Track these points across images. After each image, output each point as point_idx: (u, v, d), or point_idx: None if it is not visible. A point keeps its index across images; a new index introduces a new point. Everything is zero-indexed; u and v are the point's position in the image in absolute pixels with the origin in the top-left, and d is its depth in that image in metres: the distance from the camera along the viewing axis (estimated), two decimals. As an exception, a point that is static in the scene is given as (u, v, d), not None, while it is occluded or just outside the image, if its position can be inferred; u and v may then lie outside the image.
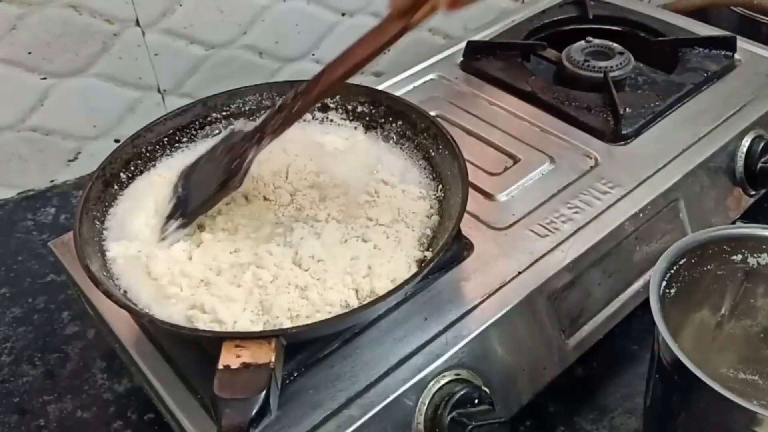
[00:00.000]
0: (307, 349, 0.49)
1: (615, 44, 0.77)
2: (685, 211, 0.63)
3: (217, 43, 0.89)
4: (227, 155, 0.53)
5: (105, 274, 0.49)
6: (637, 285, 0.61)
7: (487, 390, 0.49)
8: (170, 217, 0.54)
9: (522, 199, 0.61)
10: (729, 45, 0.77)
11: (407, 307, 0.52)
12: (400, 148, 0.61)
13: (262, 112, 0.64)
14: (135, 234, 0.53)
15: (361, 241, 0.53)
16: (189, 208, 0.53)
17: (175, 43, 0.87)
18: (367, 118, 0.63)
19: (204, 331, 0.46)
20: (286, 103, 0.52)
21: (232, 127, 0.56)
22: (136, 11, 0.82)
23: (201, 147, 0.60)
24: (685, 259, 0.49)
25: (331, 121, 0.64)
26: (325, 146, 0.62)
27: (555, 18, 0.85)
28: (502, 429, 0.47)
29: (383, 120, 0.62)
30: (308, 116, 0.63)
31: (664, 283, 0.48)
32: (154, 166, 0.59)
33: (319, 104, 0.63)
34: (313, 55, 0.97)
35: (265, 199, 0.57)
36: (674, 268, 0.49)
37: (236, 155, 0.52)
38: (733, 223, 0.70)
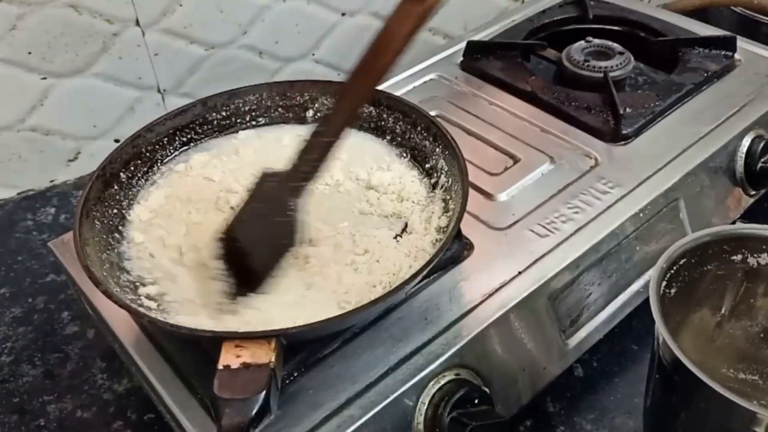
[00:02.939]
0: (307, 349, 0.49)
1: (615, 44, 0.77)
2: (685, 211, 0.63)
3: (217, 43, 0.89)
4: (272, 211, 0.48)
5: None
6: (637, 285, 0.61)
7: (487, 390, 0.49)
8: (234, 292, 0.49)
9: (522, 199, 0.61)
10: (729, 45, 0.77)
11: (407, 307, 0.52)
12: (400, 148, 0.61)
13: (262, 111, 0.64)
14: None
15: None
16: (253, 282, 0.48)
17: (175, 43, 0.86)
18: (367, 118, 0.63)
19: (204, 331, 0.46)
20: (314, 139, 0.47)
21: (256, 175, 0.49)
22: (136, 11, 0.82)
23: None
24: (685, 259, 0.49)
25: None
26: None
27: (555, 18, 0.85)
28: (502, 429, 0.47)
29: (383, 120, 0.62)
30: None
31: (664, 283, 0.48)
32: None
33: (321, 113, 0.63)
34: (313, 55, 0.97)
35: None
36: (674, 268, 0.49)
37: (280, 211, 0.48)
38: (733, 223, 0.70)
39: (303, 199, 0.49)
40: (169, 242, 0.54)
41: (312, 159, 0.48)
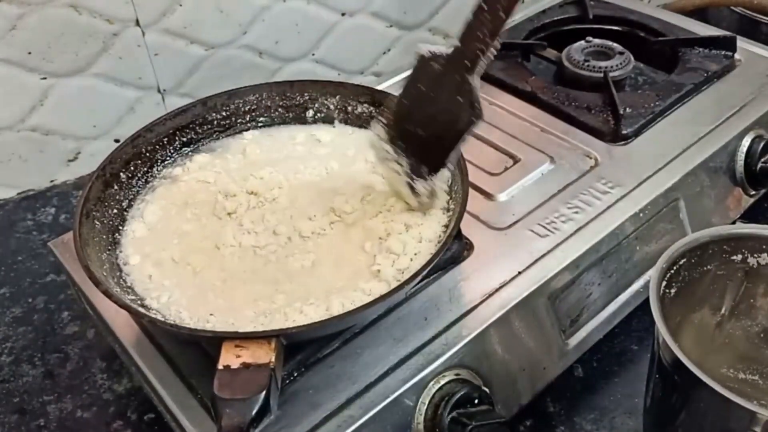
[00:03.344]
0: (307, 349, 0.49)
1: (615, 44, 0.77)
2: (685, 211, 0.63)
3: (217, 43, 0.89)
4: (441, 91, 0.46)
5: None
6: (637, 285, 0.61)
7: (487, 390, 0.49)
8: (415, 174, 0.49)
9: (522, 199, 0.61)
10: (729, 45, 0.77)
11: (407, 307, 0.52)
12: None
13: (262, 111, 0.64)
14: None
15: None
16: (433, 159, 0.48)
17: (175, 43, 0.86)
18: (367, 118, 0.63)
19: (204, 330, 0.46)
20: (481, 8, 0.44)
21: (419, 54, 0.47)
22: (136, 11, 0.82)
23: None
24: (685, 259, 0.49)
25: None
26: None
27: (555, 18, 0.85)
28: (502, 429, 0.47)
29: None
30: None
31: (664, 283, 0.48)
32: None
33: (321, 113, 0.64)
34: (313, 55, 0.97)
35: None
36: (674, 268, 0.49)
37: (456, 90, 0.46)
38: (733, 223, 0.70)
39: (478, 75, 0.46)
40: (164, 258, 0.53)
41: (484, 33, 0.45)
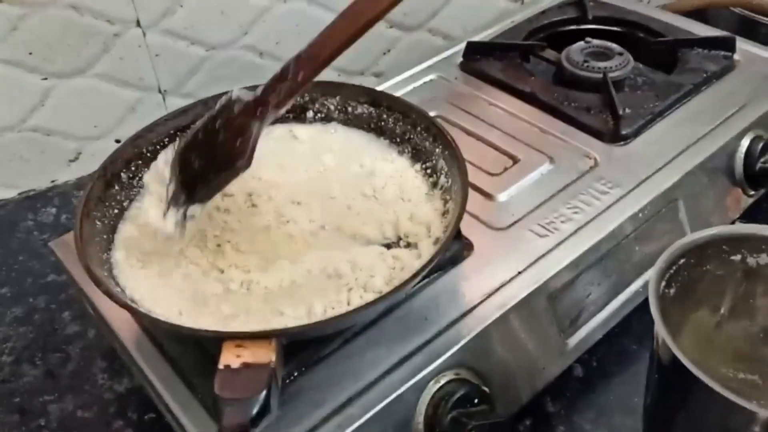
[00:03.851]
0: (307, 348, 0.49)
1: (614, 45, 0.77)
2: (684, 212, 0.63)
3: (218, 44, 0.89)
4: (227, 131, 0.48)
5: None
6: (636, 285, 0.61)
7: (487, 390, 0.50)
8: (173, 202, 0.50)
9: (522, 199, 0.61)
10: (728, 45, 0.77)
11: (407, 307, 0.52)
12: (400, 148, 0.61)
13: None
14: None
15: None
16: (195, 193, 0.50)
17: (176, 44, 0.87)
18: (367, 119, 0.63)
19: (204, 330, 0.46)
20: (289, 69, 0.48)
21: (228, 94, 0.49)
22: (137, 12, 0.82)
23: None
24: (684, 259, 0.49)
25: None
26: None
27: (554, 19, 0.85)
28: (501, 428, 0.47)
29: (383, 120, 0.62)
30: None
31: (663, 282, 0.48)
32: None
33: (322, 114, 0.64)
34: (314, 55, 0.97)
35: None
36: (674, 267, 0.49)
37: (239, 132, 0.48)
38: (733, 223, 0.70)
39: (264, 125, 0.48)
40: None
41: (281, 90, 0.47)
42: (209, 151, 0.49)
